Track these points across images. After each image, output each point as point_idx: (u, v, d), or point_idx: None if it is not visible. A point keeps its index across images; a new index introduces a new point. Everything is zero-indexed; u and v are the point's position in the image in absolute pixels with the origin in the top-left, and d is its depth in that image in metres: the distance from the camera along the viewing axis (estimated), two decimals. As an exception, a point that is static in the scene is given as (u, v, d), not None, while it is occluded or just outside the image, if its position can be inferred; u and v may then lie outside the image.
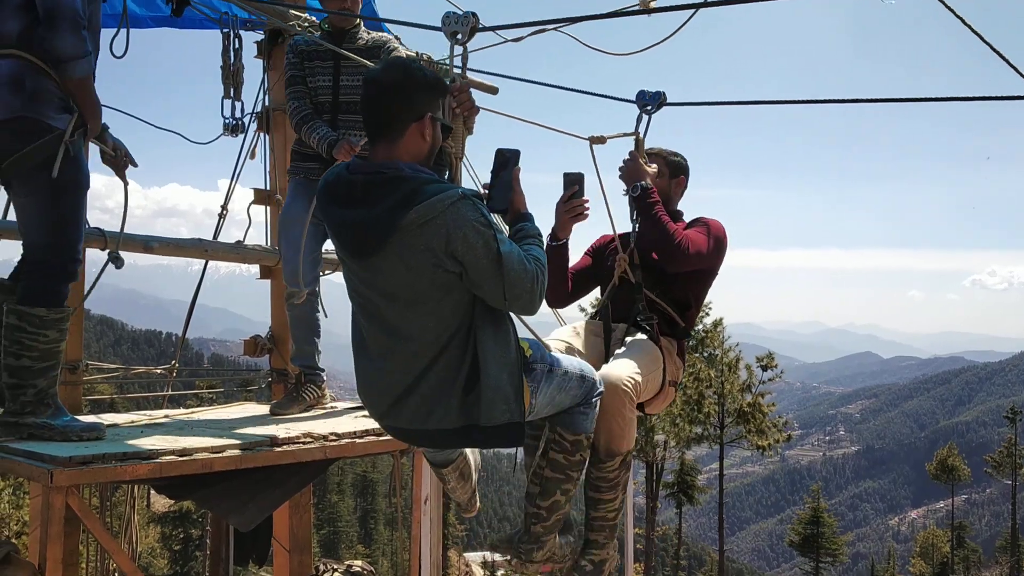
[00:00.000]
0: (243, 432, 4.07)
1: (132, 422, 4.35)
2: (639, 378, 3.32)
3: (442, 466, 3.25)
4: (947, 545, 43.63)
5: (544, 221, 3.00)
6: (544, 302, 4.12)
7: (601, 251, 4.04)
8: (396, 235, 2.43)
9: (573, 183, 3.49)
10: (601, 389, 3.10)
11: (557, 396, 2.90)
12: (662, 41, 3.79)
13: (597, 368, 3.32)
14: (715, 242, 3.69)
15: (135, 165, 4.12)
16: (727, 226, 3.79)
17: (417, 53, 5.16)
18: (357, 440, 4.21)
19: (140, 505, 5.33)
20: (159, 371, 5.91)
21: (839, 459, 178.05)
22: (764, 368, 30.79)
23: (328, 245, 4.91)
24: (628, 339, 3.61)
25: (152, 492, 4.70)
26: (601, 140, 3.82)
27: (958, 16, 3.22)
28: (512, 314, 2.77)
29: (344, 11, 4.66)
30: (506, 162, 2.92)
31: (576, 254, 3.98)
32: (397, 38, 5.01)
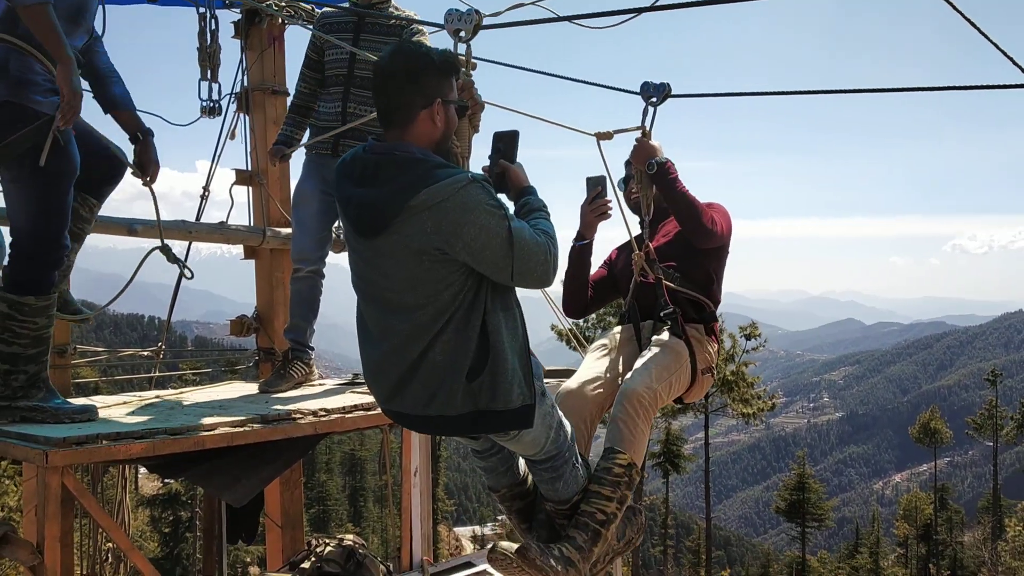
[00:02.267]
0: (233, 410, 4.12)
1: (123, 404, 4.39)
2: (658, 386, 3.34)
3: (494, 490, 3.26)
4: (930, 507, 44.06)
5: (549, 198, 2.99)
6: (564, 314, 4.18)
7: (615, 262, 4.08)
8: (403, 215, 2.43)
9: (596, 185, 3.69)
10: (573, 444, 3.04)
11: (540, 425, 2.80)
12: (636, 14, 3.77)
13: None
14: (729, 222, 3.76)
15: (152, 180, 4.16)
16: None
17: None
18: (346, 415, 4.26)
19: (129, 488, 5.38)
20: (146, 353, 5.94)
21: (823, 425, 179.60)
22: (748, 337, 30.98)
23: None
24: (654, 337, 3.59)
25: (140, 475, 4.73)
26: (608, 136, 3.81)
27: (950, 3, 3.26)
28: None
29: None
30: (504, 144, 2.96)
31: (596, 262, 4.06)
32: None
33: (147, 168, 4.09)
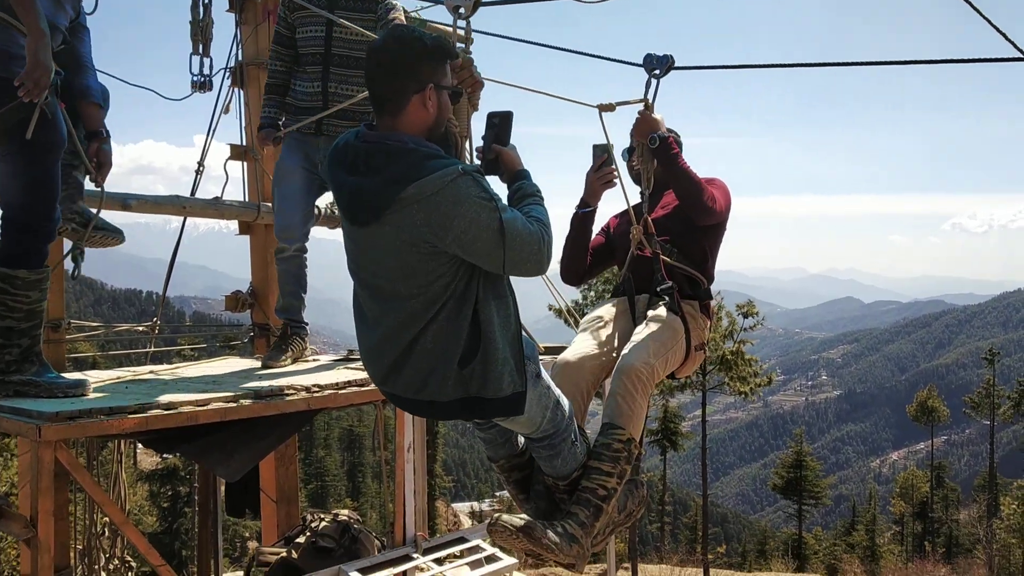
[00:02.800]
0: (227, 385, 4.13)
1: (117, 378, 4.40)
2: (655, 361, 3.34)
3: (493, 460, 3.26)
4: (927, 485, 44.26)
5: (541, 175, 2.94)
6: (561, 279, 4.17)
7: (613, 229, 4.06)
8: (394, 207, 2.41)
9: (603, 153, 3.68)
10: (573, 425, 3.04)
11: (535, 405, 2.81)
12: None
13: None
14: (728, 199, 3.75)
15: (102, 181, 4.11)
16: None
17: (416, 16, 5.04)
18: (340, 391, 4.27)
19: (126, 463, 5.40)
20: (141, 328, 5.94)
21: (821, 403, 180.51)
22: (745, 316, 30.99)
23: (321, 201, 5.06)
24: (650, 312, 3.59)
25: (139, 451, 4.74)
26: (610, 108, 3.76)
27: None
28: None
29: None
30: (499, 125, 2.92)
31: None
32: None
33: (103, 168, 4.05)
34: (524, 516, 2.96)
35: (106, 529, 5.22)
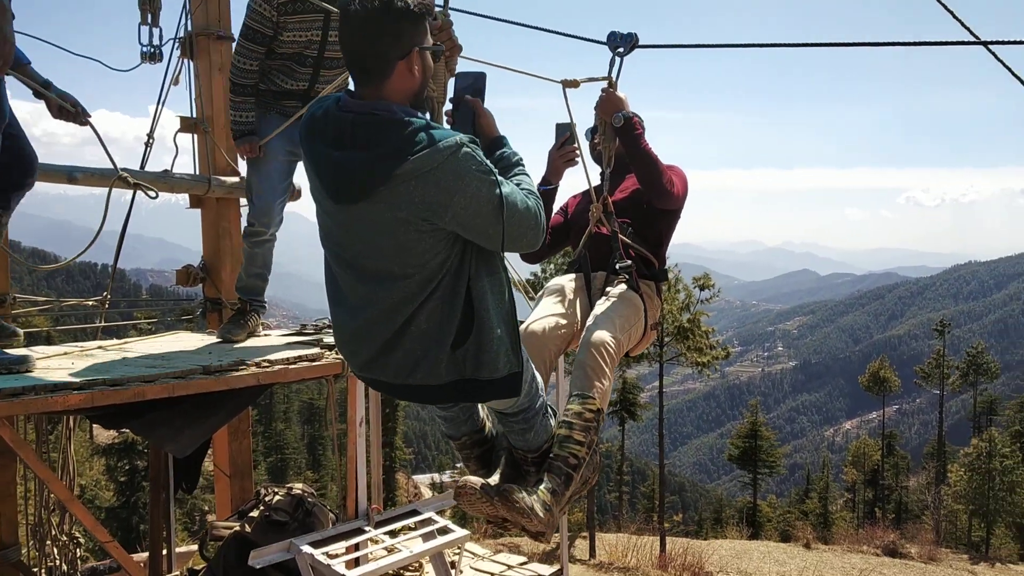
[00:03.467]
0: (176, 361, 4.10)
1: (64, 354, 4.35)
2: (622, 336, 3.36)
3: (454, 438, 3.20)
4: (878, 453, 45.10)
5: (521, 150, 2.88)
6: (520, 258, 4.14)
7: (571, 209, 4.07)
8: (389, 184, 2.24)
9: (565, 131, 3.66)
10: (544, 398, 3.01)
11: None
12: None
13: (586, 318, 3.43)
14: (686, 186, 3.76)
15: (87, 117, 4.07)
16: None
17: None
18: (290, 366, 4.26)
19: (83, 437, 5.35)
20: (91, 303, 5.85)
21: (777, 374, 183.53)
22: (701, 288, 31.22)
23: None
24: (609, 289, 3.60)
25: (95, 426, 4.69)
26: (574, 84, 3.70)
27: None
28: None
29: None
30: (469, 86, 2.83)
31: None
32: None
33: (79, 109, 4.01)
34: (494, 479, 2.93)
35: (55, 506, 5.18)
